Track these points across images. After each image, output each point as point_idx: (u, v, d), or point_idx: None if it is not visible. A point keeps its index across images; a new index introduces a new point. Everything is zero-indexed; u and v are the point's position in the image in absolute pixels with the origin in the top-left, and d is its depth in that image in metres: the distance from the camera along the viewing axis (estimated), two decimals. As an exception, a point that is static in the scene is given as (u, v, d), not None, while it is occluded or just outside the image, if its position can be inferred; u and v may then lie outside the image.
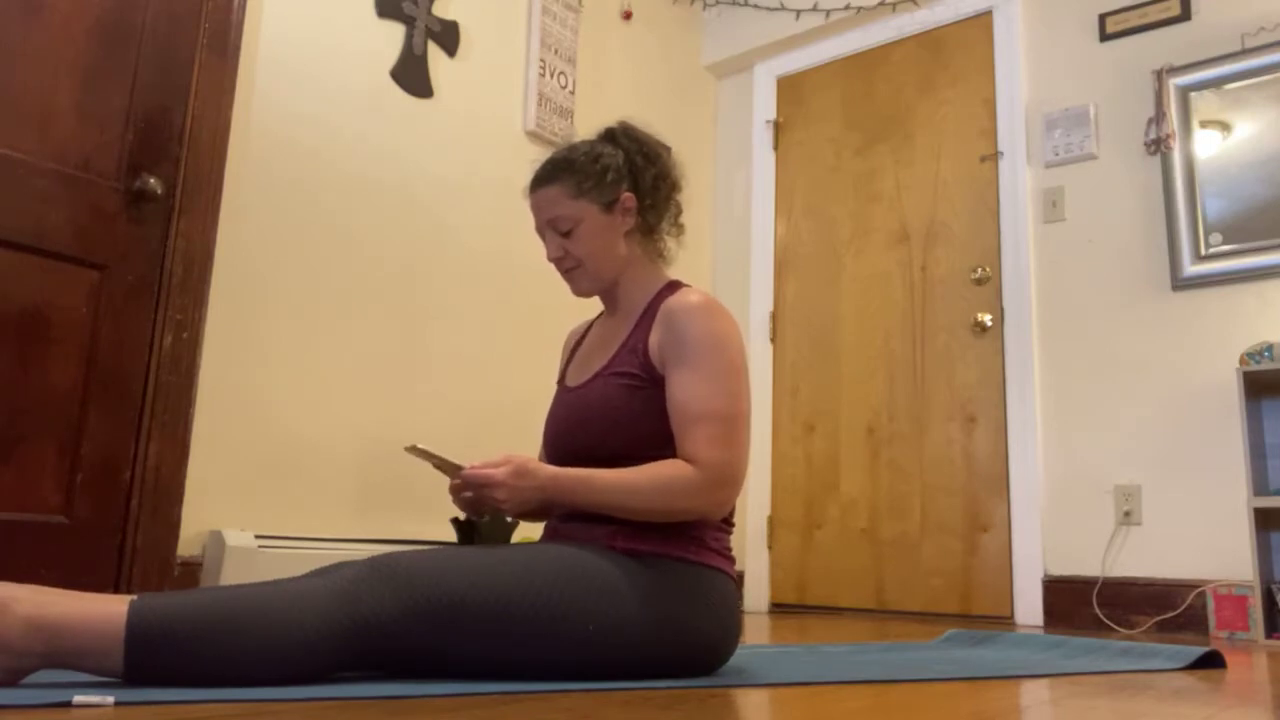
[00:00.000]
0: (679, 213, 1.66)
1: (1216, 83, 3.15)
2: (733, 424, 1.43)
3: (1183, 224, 3.13)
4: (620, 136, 1.63)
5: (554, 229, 1.57)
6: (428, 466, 2.88)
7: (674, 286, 1.60)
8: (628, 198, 1.58)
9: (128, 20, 2.37)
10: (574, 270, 1.59)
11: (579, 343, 1.74)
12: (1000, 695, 1.39)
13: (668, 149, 1.68)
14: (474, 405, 3.10)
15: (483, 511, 1.46)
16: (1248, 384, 2.74)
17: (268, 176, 2.63)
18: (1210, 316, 3.06)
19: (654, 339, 1.51)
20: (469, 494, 1.40)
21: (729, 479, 1.41)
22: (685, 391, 1.44)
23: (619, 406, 1.48)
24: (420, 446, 1.41)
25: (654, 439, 1.46)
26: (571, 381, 1.63)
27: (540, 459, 1.72)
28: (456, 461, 1.41)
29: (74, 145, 2.25)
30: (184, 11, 2.48)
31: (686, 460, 1.41)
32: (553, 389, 3.24)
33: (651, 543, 1.42)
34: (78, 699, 1.02)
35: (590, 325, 1.76)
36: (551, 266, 3.19)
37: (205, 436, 2.43)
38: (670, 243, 1.66)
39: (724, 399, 1.43)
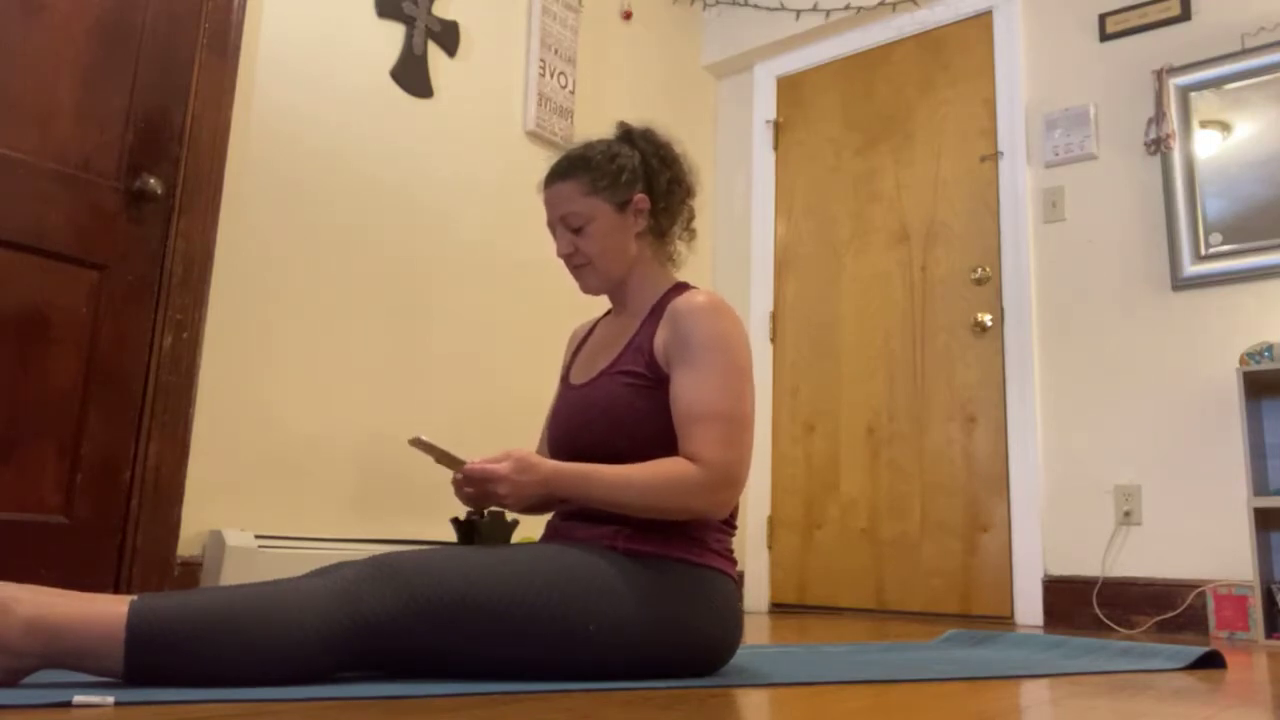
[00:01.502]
0: (691, 218, 1.67)
1: (1216, 83, 3.15)
2: (736, 424, 1.43)
3: (1183, 224, 3.13)
4: (638, 138, 1.64)
5: (565, 225, 1.58)
6: (428, 463, 2.88)
7: (682, 288, 1.60)
8: (641, 199, 1.58)
9: (128, 20, 2.37)
10: (583, 268, 1.59)
11: (584, 340, 1.74)
12: (1000, 695, 1.39)
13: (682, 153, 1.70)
14: (474, 405, 3.10)
15: (484, 508, 1.46)
16: (1248, 384, 2.74)
17: (268, 176, 2.63)
18: (1210, 316, 3.06)
19: (659, 338, 1.51)
20: (470, 489, 1.40)
21: (732, 479, 1.41)
22: (689, 391, 1.44)
23: (624, 405, 1.48)
24: (424, 439, 1.41)
25: (659, 438, 1.46)
26: (576, 379, 1.63)
27: (540, 453, 1.72)
28: (458, 456, 1.42)
29: (74, 145, 2.25)
30: (184, 11, 2.48)
31: (689, 459, 1.41)
32: (553, 388, 3.24)
33: (653, 543, 1.42)
34: (78, 699, 1.02)
35: (595, 324, 1.76)
36: (554, 266, 3.23)
37: (205, 436, 2.43)
38: (681, 247, 1.67)
39: (728, 399, 1.43)
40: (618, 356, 1.55)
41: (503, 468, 1.36)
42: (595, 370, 1.58)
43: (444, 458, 1.42)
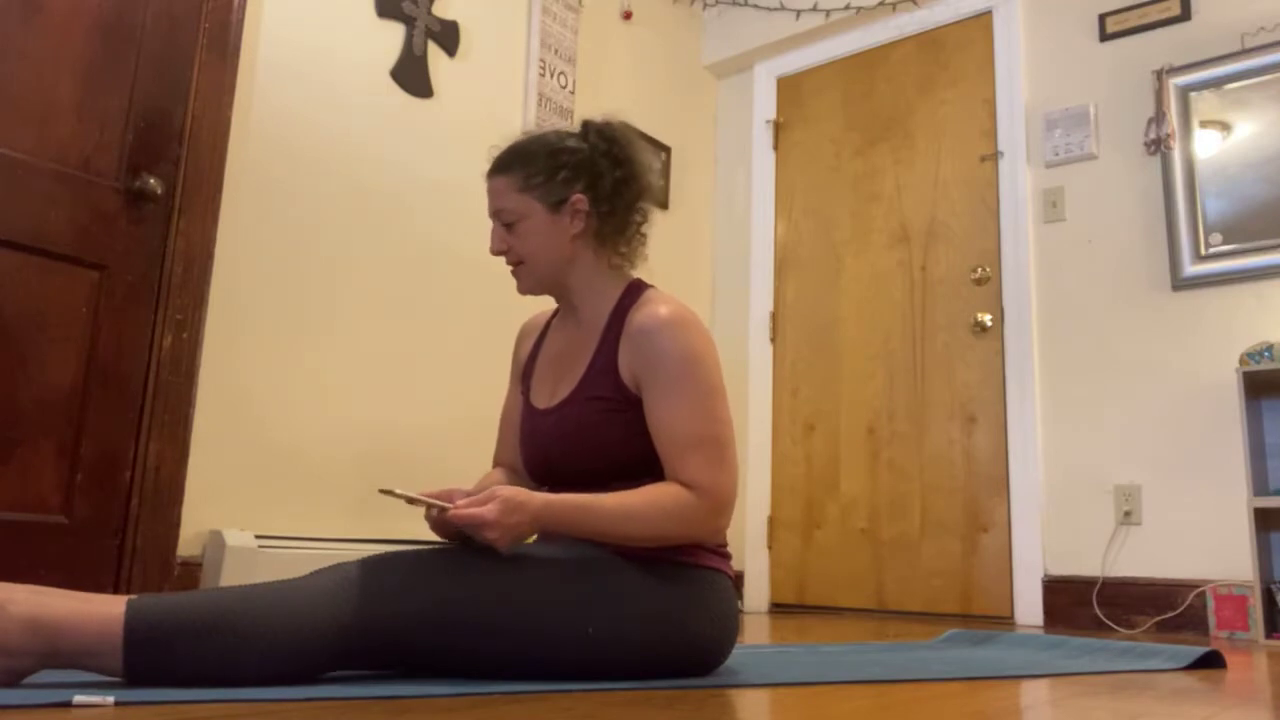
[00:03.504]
0: (642, 222, 1.57)
1: (1216, 83, 3.15)
2: (723, 446, 1.41)
3: (1182, 224, 3.13)
4: (592, 133, 1.55)
5: (499, 221, 1.52)
6: (428, 463, 2.88)
7: (635, 292, 1.53)
8: (578, 199, 1.50)
9: (128, 20, 2.37)
10: (517, 267, 1.54)
11: (538, 344, 1.66)
12: (1000, 695, 1.39)
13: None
14: (474, 405, 3.10)
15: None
16: (1248, 384, 2.74)
17: (267, 176, 2.63)
18: (1210, 316, 3.06)
19: (624, 360, 1.46)
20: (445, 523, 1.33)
21: (726, 503, 1.41)
22: (670, 415, 1.41)
23: (598, 431, 1.45)
24: (402, 494, 1.30)
25: (636, 459, 1.44)
26: (539, 401, 1.56)
27: (499, 459, 1.69)
28: (435, 501, 1.33)
29: (74, 145, 2.25)
30: (184, 11, 2.47)
31: (684, 486, 1.39)
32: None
33: (649, 544, 1.41)
34: (78, 699, 1.02)
35: (548, 324, 1.68)
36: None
37: (205, 436, 2.43)
38: (628, 250, 1.56)
39: (708, 421, 1.41)
40: (582, 380, 1.49)
41: (490, 512, 1.27)
42: (560, 393, 1.52)
43: (416, 502, 1.33)
